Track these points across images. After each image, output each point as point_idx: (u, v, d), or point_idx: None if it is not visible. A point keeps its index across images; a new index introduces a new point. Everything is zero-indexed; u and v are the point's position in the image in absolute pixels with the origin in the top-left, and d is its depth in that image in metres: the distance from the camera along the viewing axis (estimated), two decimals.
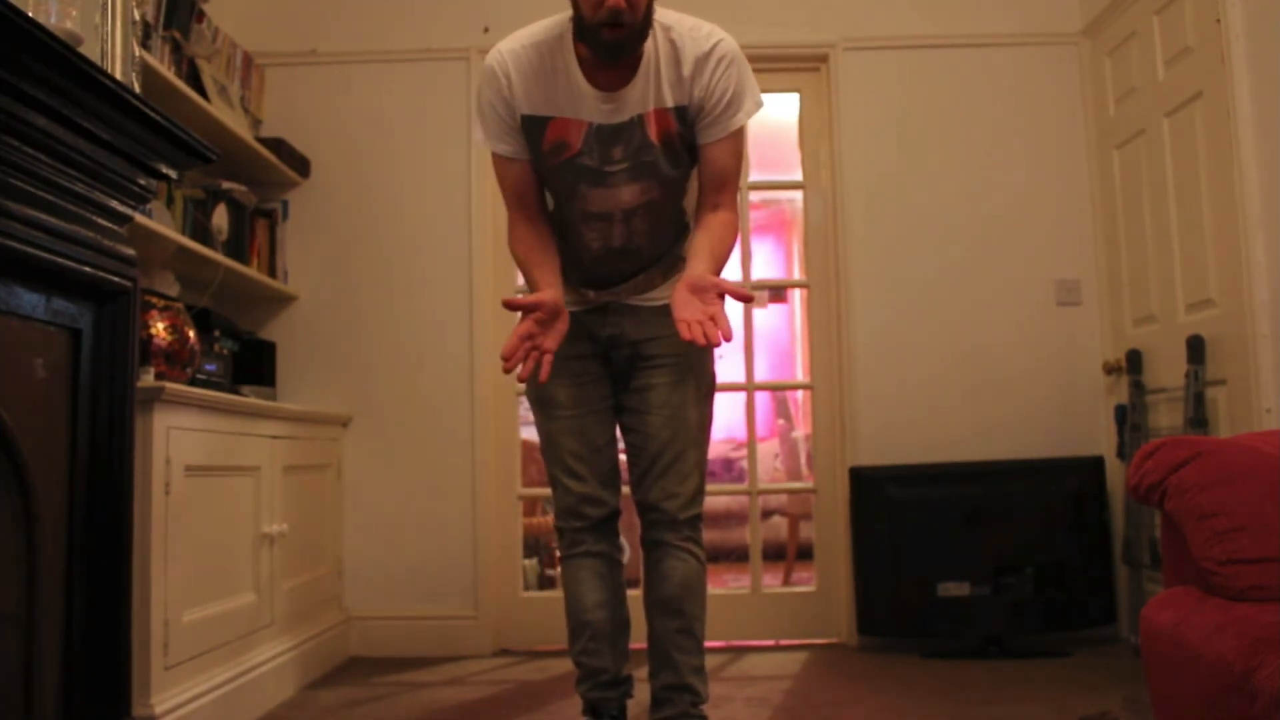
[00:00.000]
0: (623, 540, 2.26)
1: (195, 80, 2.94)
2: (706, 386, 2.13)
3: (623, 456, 2.19)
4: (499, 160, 2.03)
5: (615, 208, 2.00)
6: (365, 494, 3.44)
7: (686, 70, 1.92)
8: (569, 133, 1.94)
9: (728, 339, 1.76)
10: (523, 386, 2.01)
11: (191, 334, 2.52)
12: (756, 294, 3.92)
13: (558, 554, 2.35)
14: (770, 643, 3.47)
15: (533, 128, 1.96)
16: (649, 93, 1.92)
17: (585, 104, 1.93)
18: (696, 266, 1.89)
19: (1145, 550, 3.01)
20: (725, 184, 2.01)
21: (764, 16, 3.53)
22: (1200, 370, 2.79)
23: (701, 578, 2.11)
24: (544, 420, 2.16)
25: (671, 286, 2.10)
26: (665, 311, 2.08)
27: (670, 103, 1.93)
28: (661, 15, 1.94)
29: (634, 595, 2.19)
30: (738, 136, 2.00)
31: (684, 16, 1.96)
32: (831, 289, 3.54)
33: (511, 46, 1.95)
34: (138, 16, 2.28)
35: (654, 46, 1.92)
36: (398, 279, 3.51)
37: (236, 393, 2.95)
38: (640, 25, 1.84)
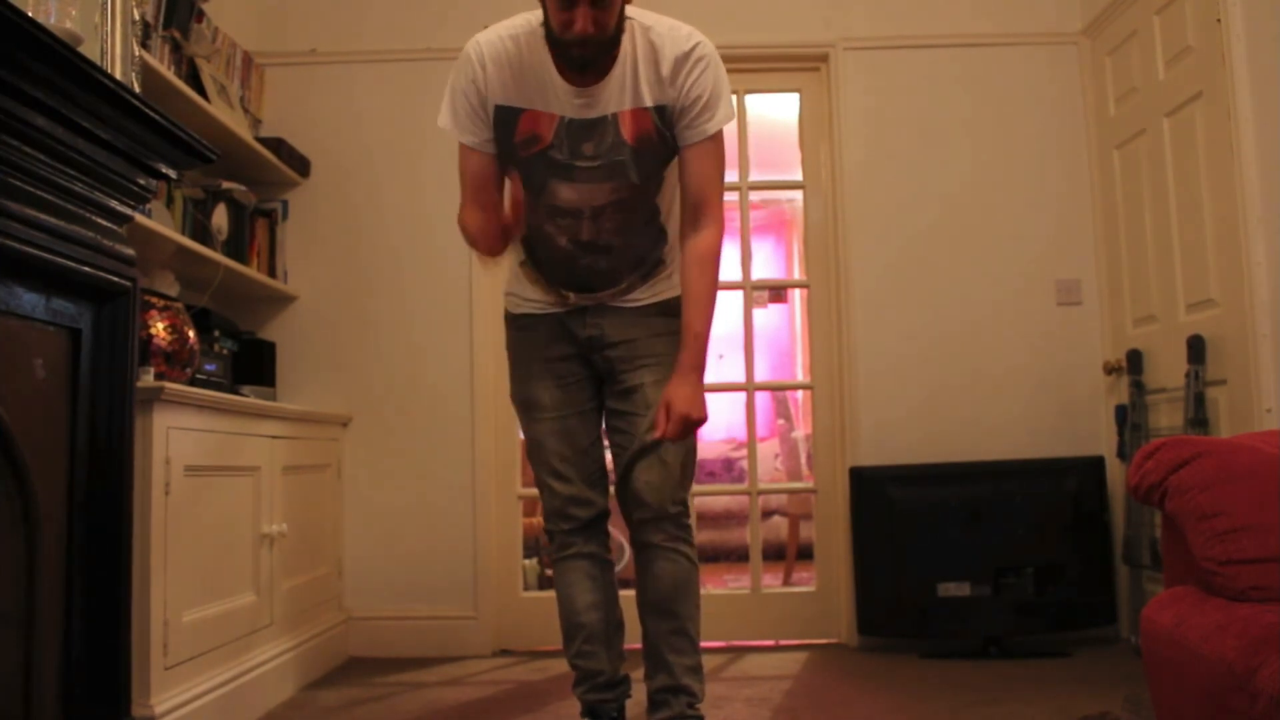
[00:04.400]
0: (621, 540, 2.26)
1: (195, 80, 2.94)
2: None
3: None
4: (464, 149, 2.03)
5: (584, 204, 2.00)
6: (365, 494, 3.44)
7: (666, 70, 1.91)
8: (540, 125, 1.94)
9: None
10: None
11: (191, 334, 2.52)
12: (758, 294, 3.93)
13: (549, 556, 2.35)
14: (770, 643, 3.46)
15: (506, 118, 1.96)
16: (625, 92, 1.92)
17: (558, 98, 1.93)
18: (689, 327, 1.98)
19: (1145, 550, 3.01)
20: (707, 197, 1.99)
21: (764, 16, 3.51)
22: (1200, 370, 2.79)
23: (693, 577, 2.10)
24: (529, 423, 2.17)
25: (652, 289, 2.11)
26: (646, 312, 2.10)
27: (649, 102, 1.92)
28: (640, 15, 1.93)
29: (630, 595, 2.19)
30: (716, 142, 1.98)
31: (662, 17, 1.95)
32: (831, 289, 3.54)
33: (489, 37, 1.97)
34: (138, 16, 2.28)
35: (631, 46, 1.91)
36: (397, 279, 3.51)
37: (236, 393, 2.95)
38: (609, 40, 1.85)
